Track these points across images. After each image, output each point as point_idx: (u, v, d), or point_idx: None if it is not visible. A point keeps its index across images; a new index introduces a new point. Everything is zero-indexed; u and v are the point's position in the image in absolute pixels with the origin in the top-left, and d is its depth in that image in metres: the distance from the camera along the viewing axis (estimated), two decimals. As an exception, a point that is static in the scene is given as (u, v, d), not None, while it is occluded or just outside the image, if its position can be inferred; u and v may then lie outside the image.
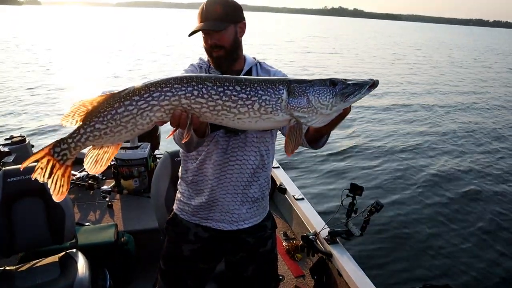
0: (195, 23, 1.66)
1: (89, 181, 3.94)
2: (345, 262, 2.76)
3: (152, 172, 3.23)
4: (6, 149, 3.87)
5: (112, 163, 3.88)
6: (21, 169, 1.31)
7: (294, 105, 1.29)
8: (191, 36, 1.66)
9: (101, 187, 3.77)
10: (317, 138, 1.56)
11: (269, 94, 1.30)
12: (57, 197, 1.31)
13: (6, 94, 11.84)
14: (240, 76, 1.49)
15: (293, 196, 3.69)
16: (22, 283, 2.32)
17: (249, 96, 1.30)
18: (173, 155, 2.54)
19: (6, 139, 4.15)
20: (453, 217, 5.67)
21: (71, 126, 1.30)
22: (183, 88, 1.29)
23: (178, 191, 1.92)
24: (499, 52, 44.56)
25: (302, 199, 3.66)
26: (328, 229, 3.04)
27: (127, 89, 1.30)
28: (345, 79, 1.30)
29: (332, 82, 1.29)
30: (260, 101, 1.30)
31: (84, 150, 1.35)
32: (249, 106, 1.30)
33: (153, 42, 32.16)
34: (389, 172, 7.14)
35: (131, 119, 1.29)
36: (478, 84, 18.72)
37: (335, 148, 8.10)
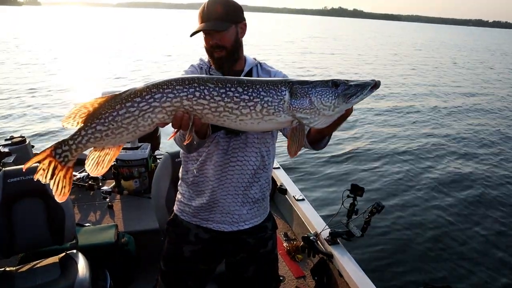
0: (195, 23, 1.66)
1: (90, 182, 3.95)
2: (346, 262, 2.76)
3: (152, 172, 3.23)
4: (6, 149, 3.86)
5: (113, 163, 3.87)
6: (24, 171, 1.31)
7: (297, 106, 1.29)
8: (192, 37, 1.65)
9: (102, 188, 3.77)
10: (318, 139, 1.56)
11: (271, 95, 1.30)
12: (59, 198, 1.32)
13: (6, 95, 11.84)
14: (242, 77, 1.48)
15: (293, 196, 3.69)
16: (22, 283, 2.32)
17: (251, 98, 1.29)
18: (174, 155, 2.54)
19: (6, 140, 4.15)
20: (454, 218, 5.66)
21: (72, 127, 1.30)
22: (185, 90, 1.28)
23: (178, 192, 1.92)
24: (502, 52, 44.48)
25: (303, 199, 3.65)
26: (329, 229, 3.03)
27: (128, 90, 1.30)
28: (347, 80, 1.30)
29: (334, 83, 1.29)
30: (262, 102, 1.29)
31: (86, 151, 1.35)
32: (251, 108, 1.30)
33: (153, 42, 32.17)
34: (390, 173, 7.14)
35: (133, 120, 1.29)
36: (480, 85, 18.69)
37: (336, 149, 8.10)
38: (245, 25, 1.70)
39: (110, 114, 1.28)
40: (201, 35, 1.71)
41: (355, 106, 1.34)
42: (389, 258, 4.56)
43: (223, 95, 1.29)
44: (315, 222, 3.26)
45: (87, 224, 3.27)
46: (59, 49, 24.27)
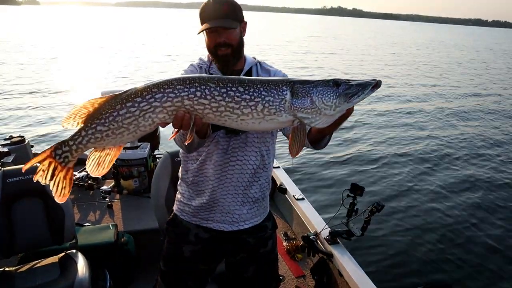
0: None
1: (89, 181, 3.94)
2: (346, 262, 2.75)
3: (152, 172, 3.22)
4: (5, 149, 3.85)
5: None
6: (23, 171, 1.30)
7: (298, 106, 1.29)
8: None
9: (101, 187, 3.76)
10: (319, 138, 1.56)
11: (272, 95, 1.29)
12: (59, 199, 1.31)
13: (5, 94, 11.82)
14: (243, 76, 1.48)
15: (293, 196, 3.69)
16: (22, 283, 2.31)
17: (252, 97, 1.29)
18: (173, 155, 2.54)
19: (5, 139, 4.14)
20: (454, 217, 5.66)
21: (72, 128, 1.30)
22: (185, 89, 1.28)
23: (178, 192, 1.92)
24: (503, 52, 44.45)
25: (303, 199, 3.65)
26: (329, 229, 3.03)
27: (128, 90, 1.29)
28: (348, 80, 1.30)
29: (336, 83, 1.29)
30: (264, 102, 1.29)
31: (86, 151, 1.35)
32: (253, 107, 1.29)
33: (153, 42, 32.12)
34: (390, 173, 7.14)
35: (133, 120, 1.28)
36: (481, 85, 18.64)
37: (336, 148, 8.10)
38: (245, 24, 1.71)
39: (110, 114, 1.27)
40: (200, 33, 1.71)
41: (355, 106, 1.33)
42: (389, 258, 4.56)
43: (224, 95, 1.29)
44: (315, 222, 3.26)
45: (86, 224, 3.27)
46: (58, 49, 24.24)
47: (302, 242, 3.20)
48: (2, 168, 2.56)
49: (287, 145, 1.35)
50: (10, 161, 3.65)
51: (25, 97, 11.68)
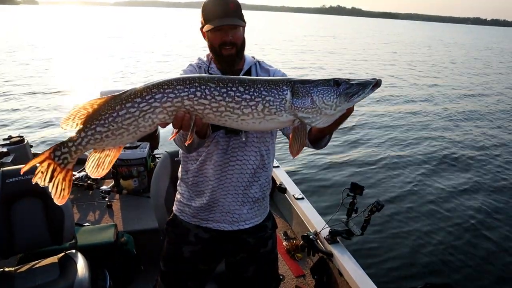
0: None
1: (88, 181, 3.94)
2: (346, 261, 2.75)
3: (151, 172, 3.22)
4: (4, 149, 3.84)
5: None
6: (21, 173, 1.28)
7: (298, 106, 1.28)
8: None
9: (100, 187, 3.76)
10: (319, 137, 1.55)
11: (273, 94, 1.29)
12: (58, 201, 1.29)
13: (4, 94, 11.80)
14: (243, 76, 1.47)
15: (293, 195, 3.68)
16: (21, 284, 2.31)
17: (253, 97, 1.29)
18: (173, 155, 2.53)
19: (4, 139, 4.13)
20: (454, 216, 5.67)
21: (72, 129, 1.28)
22: (185, 89, 1.27)
23: (177, 192, 1.91)
24: (505, 51, 44.43)
25: (302, 198, 3.65)
26: (329, 228, 3.03)
27: (128, 91, 1.28)
28: (349, 79, 1.30)
29: (336, 82, 1.28)
30: (264, 102, 1.29)
31: (86, 152, 1.34)
32: (253, 107, 1.29)
33: (152, 41, 32.11)
34: (390, 172, 7.14)
35: (133, 121, 1.27)
36: (481, 85, 18.62)
37: (335, 148, 8.09)
38: (245, 24, 1.70)
39: (110, 115, 1.26)
40: (198, 32, 1.70)
41: (355, 106, 1.33)
42: (389, 257, 4.55)
43: (225, 95, 1.28)
44: (315, 221, 3.25)
45: (86, 224, 3.26)
46: (57, 49, 24.20)
47: (302, 241, 3.20)
48: (1, 168, 2.56)
49: (288, 145, 1.34)
50: (9, 161, 3.64)
51: (24, 97, 11.66)
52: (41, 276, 2.36)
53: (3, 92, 12.04)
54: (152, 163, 4.06)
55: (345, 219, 2.95)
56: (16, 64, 17.58)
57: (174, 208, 1.92)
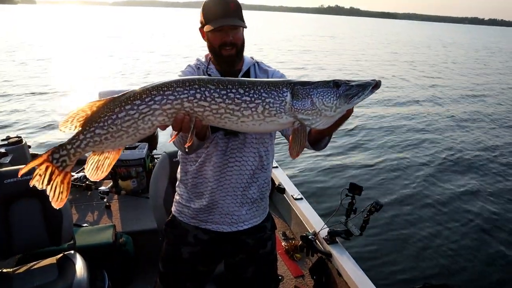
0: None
1: (87, 182, 3.93)
2: (345, 262, 2.75)
3: (150, 172, 3.21)
4: (2, 150, 3.82)
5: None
6: (19, 176, 1.27)
7: (298, 108, 1.28)
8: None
9: (99, 188, 3.75)
10: (319, 139, 1.55)
11: (272, 96, 1.29)
12: (56, 204, 1.28)
13: (2, 95, 11.76)
14: (243, 78, 1.47)
15: (292, 196, 3.68)
16: (19, 285, 2.30)
17: (253, 99, 1.28)
18: (171, 155, 2.53)
19: (2, 140, 4.11)
20: (452, 216, 5.68)
21: (70, 132, 1.27)
22: (185, 91, 1.27)
23: (176, 193, 1.91)
24: (506, 51, 44.48)
25: (301, 199, 3.64)
26: (328, 229, 3.03)
27: (127, 93, 1.27)
28: (348, 80, 1.29)
29: (336, 84, 1.28)
30: (264, 103, 1.28)
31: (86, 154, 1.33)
32: (253, 109, 1.28)
33: (150, 41, 32.07)
34: (389, 172, 7.14)
35: (133, 123, 1.27)
36: (480, 85, 18.60)
37: (334, 148, 8.09)
38: (245, 25, 1.69)
39: (109, 117, 1.25)
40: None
41: (354, 107, 1.33)
42: (388, 257, 4.56)
43: (224, 97, 1.28)
44: (314, 221, 3.25)
45: (84, 225, 3.25)
46: (55, 49, 24.14)
47: (301, 242, 3.20)
48: (-1, 169, 2.55)
49: (287, 146, 1.34)
50: (8, 161, 3.63)
51: (22, 97, 11.62)
52: (40, 277, 2.35)
53: (1, 93, 12.00)
54: (150, 164, 4.06)
55: (344, 219, 2.94)
56: (14, 64, 17.54)
57: (173, 209, 1.91)
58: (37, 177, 1.25)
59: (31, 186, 1.25)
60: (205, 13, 1.62)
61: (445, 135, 9.69)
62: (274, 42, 35.81)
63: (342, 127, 1.40)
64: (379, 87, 1.28)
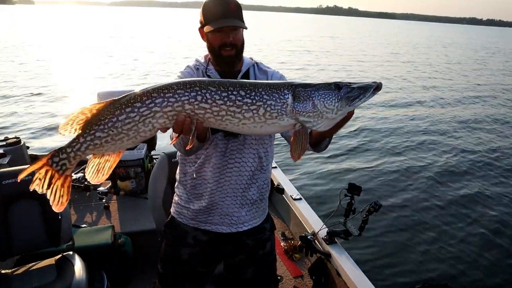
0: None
1: (86, 183, 3.92)
2: (344, 262, 2.75)
3: (148, 173, 3.21)
4: (0, 150, 3.81)
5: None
6: (18, 180, 1.25)
7: (300, 110, 1.28)
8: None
9: (98, 189, 3.74)
10: (319, 141, 1.55)
11: (274, 99, 1.28)
12: (57, 208, 1.27)
13: (0, 95, 11.72)
14: (244, 80, 1.48)
15: (291, 196, 3.68)
16: (18, 286, 2.30)
17: (254, 101, 1.27)
18: (170, 155, 2.52)
19: (0, 141, 4.10)
20: (451, 216, 5.69)
21: (70, 135, 1.26)
22: (186, 94, 1.26)
23: (175, 194, 1.90)
24: (504, 51, 44.55)
25: (300, 199, 3.64)
26: (327, 229, 3.03)
27: (127, 95, 1.26)
28: (349, 83, 1.29)
29: (337, 86, 1.28)
30: (265, 106, 1.28)
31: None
32: (254, 111, 1.28)
33: (148, 41, 32.03)
34: (388, 172, 7.15)
35: (133, 126, 1.26)
36: (480, 83, 18.68)
37: (333, 148, 8.08)
38: (246, 26, 1.68)
39: (109, 120, 1.24)
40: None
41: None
42: (387, 257, 4.56)
43: (225, 99, 1.27)
44: (313, 222, 3.25)
45: (83, 225, 3.25)
46: (53, 48, 24.12)
47: (300, 242, 3.20)
48: (-2, 170, 2.54)
49: (287, 147, 1.34)
50: (6, 162, 3.62)
51: (21, 98, 11.59)
52: (38, 278, 2.35)
53: (-1, 92, 11.99)
54: (149, 164, 4.05)
55: (343, 219, 2.94)
56: (12, 64, 17.49)
57: (172, 210, 1.91)
58: (37, 181, 1.24)
59: (31, 190, 1.24)
60: (205, 13, 1.61)
61: (445, 136, 9.69)
62: (274, 42, 35.79)
63: (342, 129, 1.40)
64: (380, 89, 1.28)
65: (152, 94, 1.25)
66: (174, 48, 26.72)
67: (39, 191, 1.25)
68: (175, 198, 1.89)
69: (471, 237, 5.17)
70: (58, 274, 2.38)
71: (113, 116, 1.24)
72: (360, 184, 2.96)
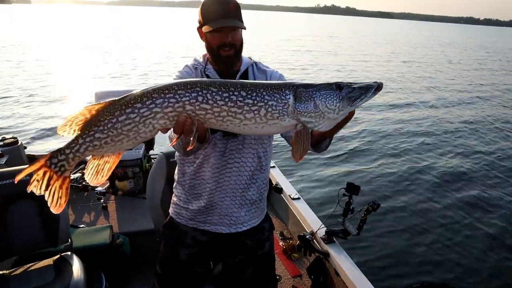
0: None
1: (84, 183, 3.91)
2: (342, 261, 2.75)
3: (147, 173, 3.20)
4: (-2, 151, 3.81)
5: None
6: (16, 182, 1.24)
7: (301, 110, 1.27)
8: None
9: (96, 189, 3.72)
10: (320, 141, 1.54)
11: (275, 99, 1.27)
12: (55, 210, 1.26)
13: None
14: (244, 80, 1.47)
15: (289, 195, 3.68)
16: (16, 287, 2.29)
17: (255, 102, 1.27)
18: (168, 155, 2.52)
19: (-3, 141, 4.08)
20: (450, 215, 5.70)
21: (69, 136, 1.25)
22: (187, 94, 1.25)
23: (173, 195, 1.90)
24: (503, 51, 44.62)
25: (299, 198, 3.64)
26: (325, 228, 3.03)
27: (127, 96, 1.25)
28: (350, 83, 1.29)
29: (338, 86, 1.28)
30: (267, 106, 1.27)
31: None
32: (255, 112, 1.27)
33: (146, 41, 31.96)
34: (386, 172, 7.15)
35: (133, 127, 1.24)
36: (480, 82, 18.69)
37: (332, 147, 8.04)
38: (244, 26, 1.68)
39: (109, 121, 1.23)
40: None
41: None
42: (386, 256, 4.57)
43: (227, 99, 1.26)
44: (311, 221, 3.25)
45: (81, 226, 3.24)
46: (51, 48, 24.03)
47: (298, 241, 3.20)
48: (-5, 170, 2.53)
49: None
50: (3, 163, 3.61)
51: (18, 98, 11.54)
52: (36, 278, 2.34)
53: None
54: (147, 164, 4.04)
55: (341, 219, 2.94)
56: (9, 64, 17.41)
57: (171, 211, 1.90)
58: (35, 183, 1.23)
59: (28, 191, 1.22)
60: (204, 13, 1.60)
61: (445, 137, 9.68)
62: (272, 42, 35.76)
63: (341, 129, 1.40)
64: (381, 89, 1.28)
65: (153, 95, 1.24)
66: (172, 48, 26.66)
67: (37, 192, 1.23)
68: (174, 198, 1.89)
69: (471, 237, 5.18)
70: (56, 274, 2.38)
71: (112, 117, 1.23)
72: (358, 183, 2.96)
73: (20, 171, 1.23)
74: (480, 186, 6.78)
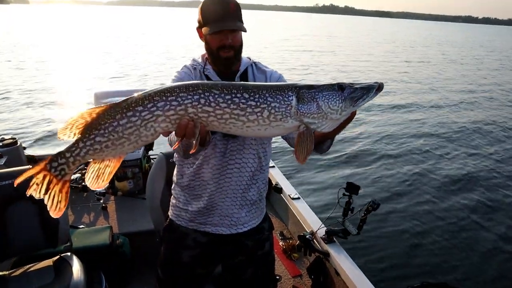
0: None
1: (83, 183, 3.90)
2: (343, 261, 2.75)
3: (146, 173, 3.20)
4: (-4, 151, 3.80)
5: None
6: (15, 186, 1.22)
7: (304, 111, 1.27)
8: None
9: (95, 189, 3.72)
10: (322, 142, 1.54)
11: (278, 101, 1.27)
12: (54, 214, 1.24)
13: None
14: (246, 82, 1.46)
15: (289, 195, 3.68)
16: (16, 288, 2.28)
17: (258, 104, 1.26)
18: (168, 156, 2.51)
19: (-4, 142, 4.08)
20: (450, 216, 5.69)
21: (69, 139, 1.24)
22: (189, 97, 1.24)
23: (172, 197, 1.88)
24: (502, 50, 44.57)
25: (298, 198, 3.64)
26: (325, 228, 3.03)
27: (128, 99, 1.24)
28: (352, 83, 1.29)
29: (340, 87, 1.28)
30: (270, 108, 1.26)
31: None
32: (258, 114, 1.26)
33: (145, 41, 31.93)
34: (386, 171, 7.16)
35: (135, 131, 1.23)
36: (481, 82, 18.68)
37: (332, 148, 8.02)
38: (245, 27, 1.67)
39: (110, 124, 1.21)
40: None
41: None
42: (386, 256, 4.57)
43: (229, 102, 1.25)
44: (311, 221, 3.25)
45: (81, 226, 3.24)
46: (50, 49, 24.00)
47: (298, 241, 3.20)
48: (-6, 171, 2.53)
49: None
50: (2, 163, 3.60)
51: (17, 98, 11.53)
52: (36, 279, 2.33)
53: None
54: (147, 164, 4.04)
55: (341, 218, 2.94)
56: (8, 65, 17.39)
57: (170, 213, 1.89)
58: (34, 186, 1.21)
59: (27, 195, 1.21)
60: (204, 13, 1.58)
61: (445, 137, 9.66)
62: (271, 42, 35.72)
63: (342, 130, 1.40)
64: (382, 90, 1.28)
65: (154, 98, 1.23)
66: (172, 48, 26.64)
67: (36, 196, 1.22)
68: (173, 200, 1.87)
69: (471, 237, 5.17)
70: (56, 275, 2.37)
71: (113, 120, 1.22)
72: (358, 183, 2.96)
73: (19, 172, 1.22)
74: (481, 187, 6.77)
